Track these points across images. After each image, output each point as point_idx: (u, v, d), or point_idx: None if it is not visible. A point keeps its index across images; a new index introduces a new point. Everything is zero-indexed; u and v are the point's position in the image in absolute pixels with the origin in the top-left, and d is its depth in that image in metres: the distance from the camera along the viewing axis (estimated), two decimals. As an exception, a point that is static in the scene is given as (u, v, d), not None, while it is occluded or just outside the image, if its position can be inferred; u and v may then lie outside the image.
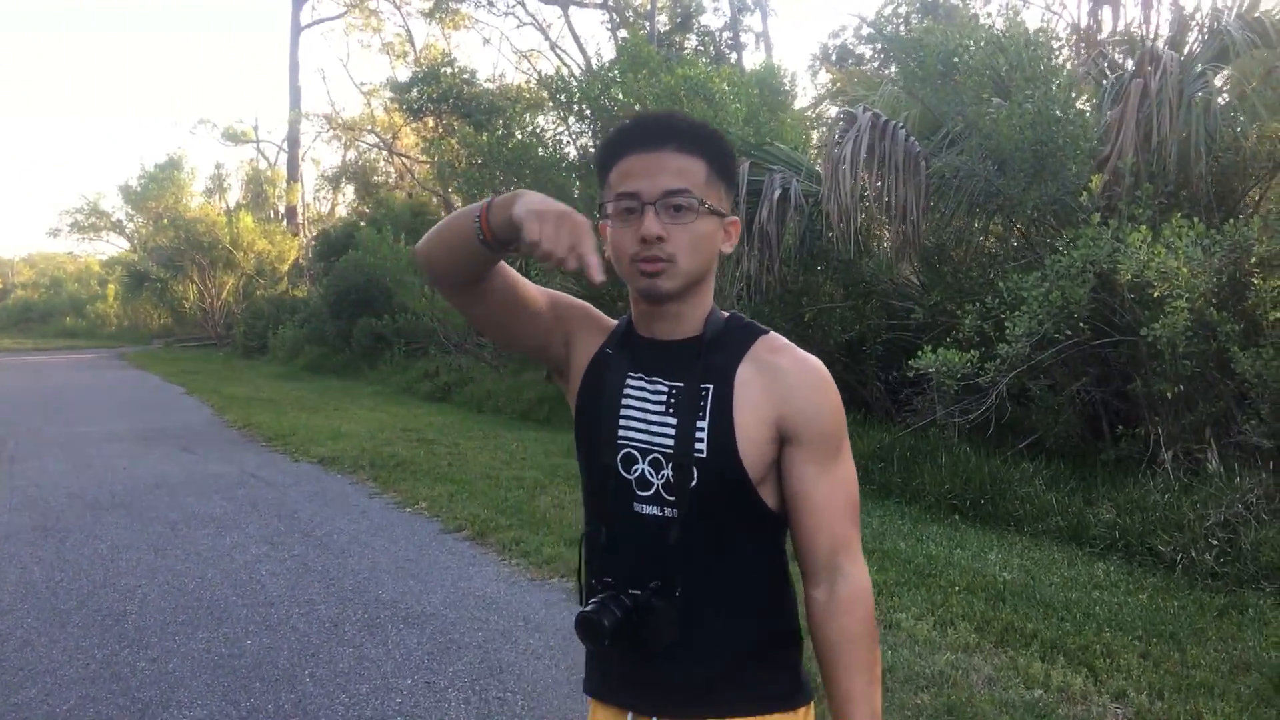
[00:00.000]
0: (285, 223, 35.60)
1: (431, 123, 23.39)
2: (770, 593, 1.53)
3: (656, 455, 1.46)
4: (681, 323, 1.50)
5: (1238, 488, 5.78)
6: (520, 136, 13.06)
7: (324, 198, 40.12)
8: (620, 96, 11.84)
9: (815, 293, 9.10)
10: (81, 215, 36.99)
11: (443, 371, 16.48)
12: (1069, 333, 6.44)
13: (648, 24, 25.06)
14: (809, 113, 18.64)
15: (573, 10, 30.74)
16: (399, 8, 35.10)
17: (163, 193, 32.53)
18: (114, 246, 41.08)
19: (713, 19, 26.87)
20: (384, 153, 33.95)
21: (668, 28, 26.35)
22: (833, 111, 12.95)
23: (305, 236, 35.18)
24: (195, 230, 30.58)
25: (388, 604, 5.18)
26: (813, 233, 8.59)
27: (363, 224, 23.56)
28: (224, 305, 32.20)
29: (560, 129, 14.25)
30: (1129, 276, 6.01)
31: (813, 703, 1.56)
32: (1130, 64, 8.05)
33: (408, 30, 39.03)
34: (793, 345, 1.54)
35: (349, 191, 36.69)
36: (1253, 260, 6.25)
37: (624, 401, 1.50)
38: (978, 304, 6.78)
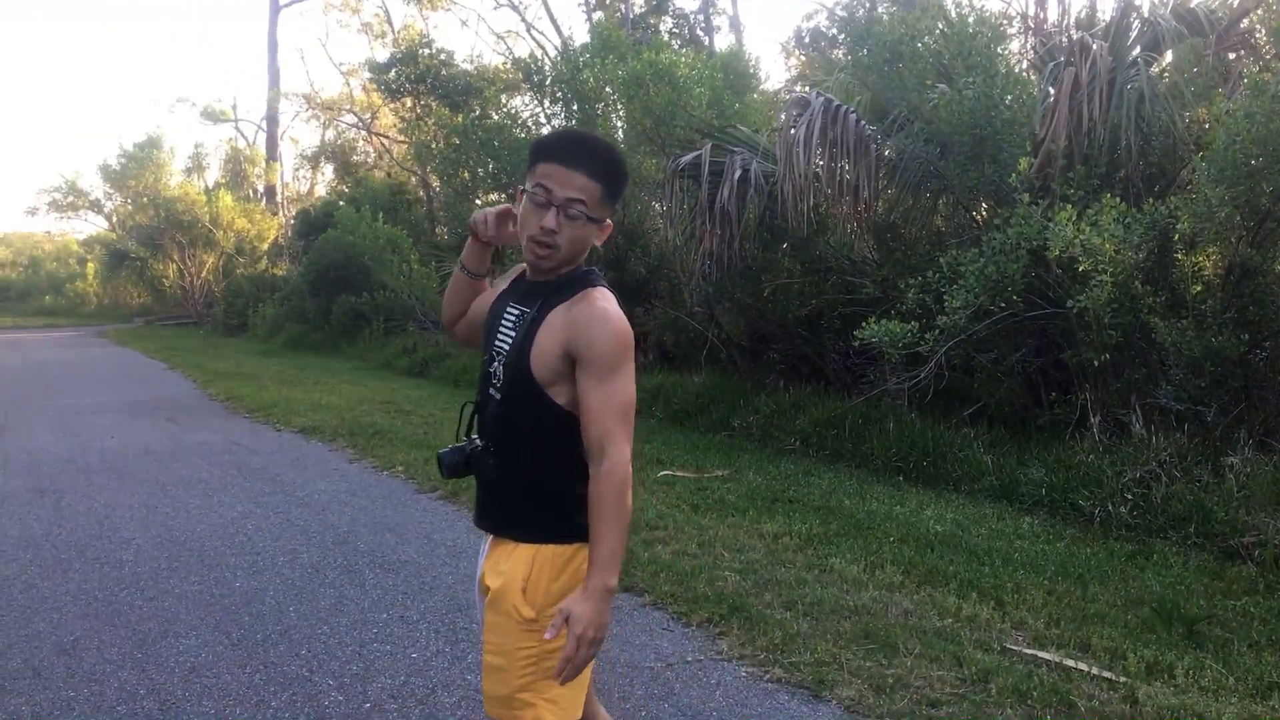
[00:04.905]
0: (264, 202, 35.76)
1: (409, 103, 23.62)
2: (558, 463, 2.15)
3: (496, 358, 2.20)
4: (550, 274, 2.17)
5: (1154, 448, 6.26)
6: (495, 118, 13.39)
7: (303, 177, 40.29)
8: (591, 81, 12.20)
9: (775, 269, 9.53)
10: (60, 194, 36.93)
11: (420, 348, 16.79)
12: (1003, 305, 6.90)
13: (623, 6, 25.35)
14: (780, 95, 19.02)
15: (550, -9, 30.96)
16: (378, -13, 35.24)
17: (142, 171, 32.53)
18: (93, 225, 41.00)
19: (687, 1, 27.18)
20: (363, 133, 34.13)
21: (643, 9, 26.64)
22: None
23: (284, 215, 35.36)
24: (175, 209, 30.70)
25: (365, 553, 5.60)
26: (772, 212, 9.01)
27: (342, 203, 23.77)
28: (204, 284, 32.38)
29: (536, 110, 14.59)
30: (1057, 252, 6.46)
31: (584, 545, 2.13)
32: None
33: (386, 11, 39.05)
34: (602, 298, 2.12)
35: (328, 171, 36.85)
36: (1175, 238, 6.72)
37: (500, 322, 2.24)
38: (919, 278, 7.22)
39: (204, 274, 32.30)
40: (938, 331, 6.92)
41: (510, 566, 2.13)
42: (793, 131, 7.93)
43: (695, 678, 3.86)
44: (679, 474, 7.45)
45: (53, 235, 55.13)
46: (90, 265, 44.42)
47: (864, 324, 7.21)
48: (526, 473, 2.16)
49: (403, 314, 17.69)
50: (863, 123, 7.93)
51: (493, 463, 2.19)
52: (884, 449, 7.58)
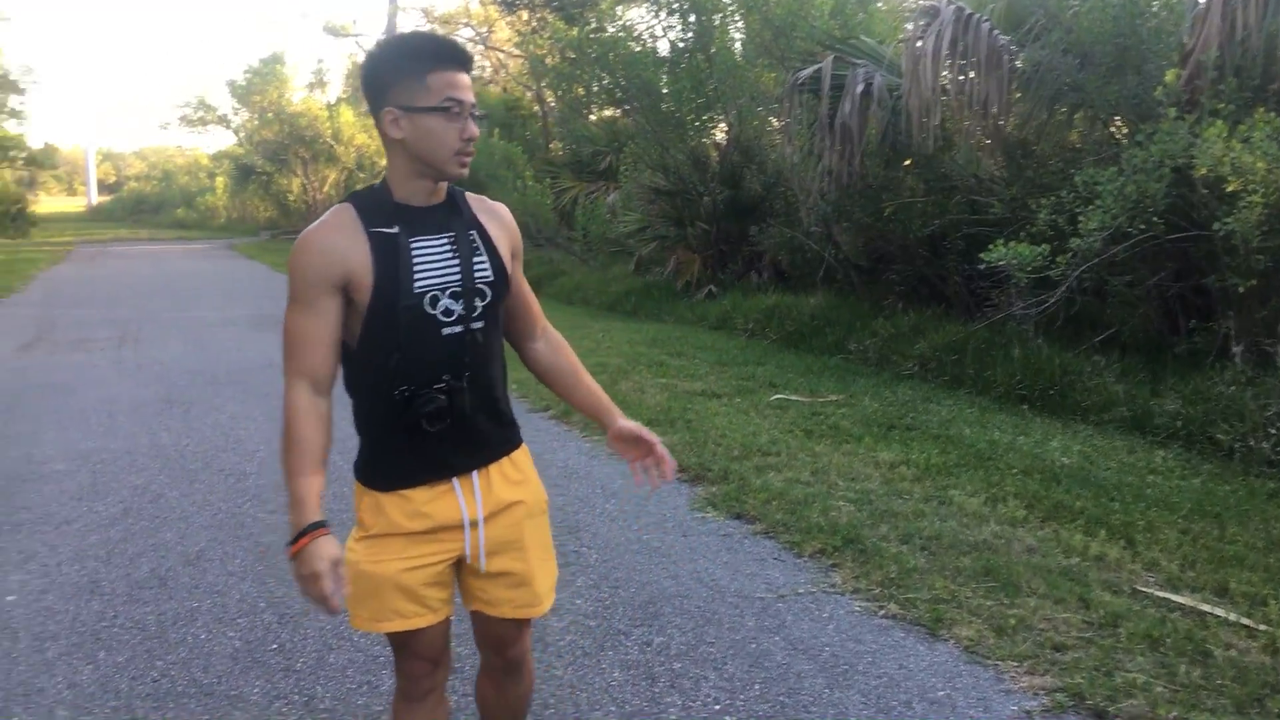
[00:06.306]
0: (384, 117, 36.15)
1: (525, 16, 23.45)
2: (503, 366, 2.21)
3: (455, 289, 2.03)
4: (439, 194, 2.09)
5: (1303, 380, 5.90)
6: (610, 31, 13.15)
7: (421, 92, 40.53)
8: (709, -10, 11.87)
9: (896, 187, 9.20)
10: (190, 109, 38.08)
11: (533, 264, 16.87)
12: (1143, 227, 6.53)
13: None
14: (908, 4, 18.27)
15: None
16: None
17: (266, 87, 33.26)
18: (221, 140, 42.25)
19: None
20: (479, 47, 34.06)
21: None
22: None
23: (403, 131, 35.67)
24: (298, 124, 31.39)
25: (479, 471, 5.64)
26: (896, 128, 8.68)
27: (458, 118, 23.77)
28: (326, 198, 33.08)
29: (651, 23, 14.31)
30: (1204, 171, 6.07)
31: None
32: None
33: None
34: (484, 197, 2.21)
35: (445, 86, 36.96)
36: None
37: (415, 259, 2.01)
38: (1052, 198, 6.87)
39: (326, 189, 33.00)
40: (1070, 255, 6.59)
41: (523, 473, 2.24)
42: (920, 43, 7.57)
43: (807, 610, 3.79)
44: (792, 398, 7.33)
45: (184, 149, 57.06)
46: (219, 179, 45.80)
47: (991, 246, 6.92)
48: (499, 386, 2.19)
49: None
50: (996, 32, 7.52)
51: (474, 393, 2.09)
52: (1007, 376, 7.31)
